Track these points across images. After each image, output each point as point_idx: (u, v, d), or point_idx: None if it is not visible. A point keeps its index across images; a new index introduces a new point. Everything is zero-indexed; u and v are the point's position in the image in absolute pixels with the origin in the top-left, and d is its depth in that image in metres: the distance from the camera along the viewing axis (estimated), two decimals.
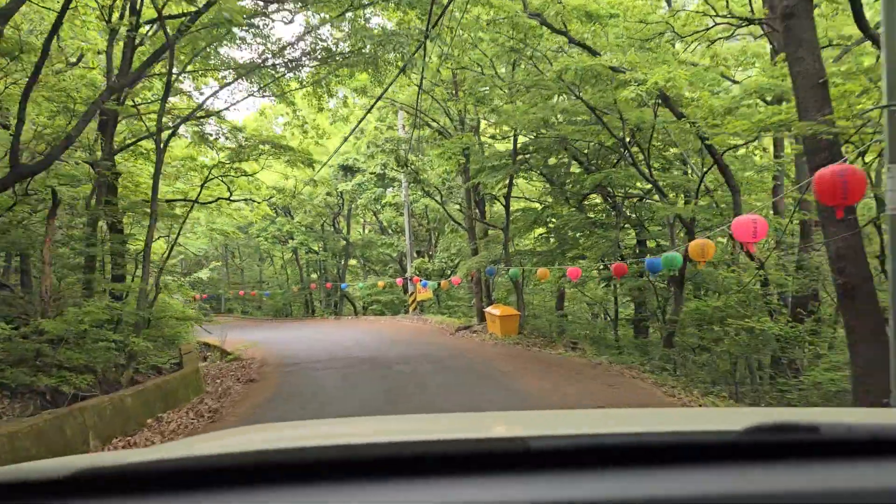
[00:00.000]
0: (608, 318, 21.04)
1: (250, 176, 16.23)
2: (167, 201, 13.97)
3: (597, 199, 19.14)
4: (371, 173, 27.01)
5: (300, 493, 1.00)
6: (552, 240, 19.82)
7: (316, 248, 38.15)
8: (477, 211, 20.99)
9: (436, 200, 25.85)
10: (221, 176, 15.19)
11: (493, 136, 21.14)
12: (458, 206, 26.57)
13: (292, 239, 35.30)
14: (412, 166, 22.63)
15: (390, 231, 32.55)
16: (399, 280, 29.84)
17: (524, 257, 20.28)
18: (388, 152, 22.19)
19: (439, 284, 26.59)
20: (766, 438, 1.09)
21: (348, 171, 31.88)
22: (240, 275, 45.97)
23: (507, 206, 19.09)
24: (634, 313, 18.68)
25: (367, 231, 39.44)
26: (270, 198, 19.64)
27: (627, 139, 14.58)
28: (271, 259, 45.41)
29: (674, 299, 14.63)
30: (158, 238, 14.74)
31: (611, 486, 1.00)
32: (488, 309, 18.37)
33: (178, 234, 15.07)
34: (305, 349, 16.87)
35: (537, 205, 20.66)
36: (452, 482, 1.02)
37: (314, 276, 40.41)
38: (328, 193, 31.97)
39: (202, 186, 14.74)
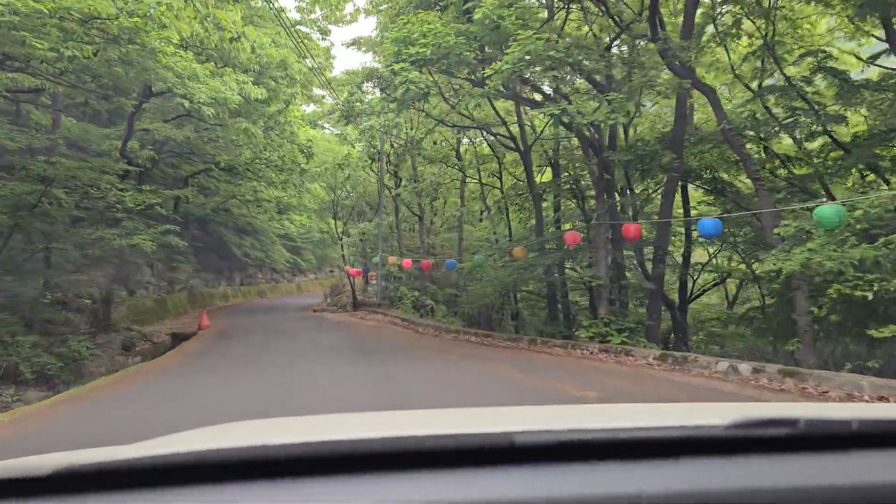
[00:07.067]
0: None
1: None
2: None
3: None
4: None
5: (283, 488, 0.99)
6: None
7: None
8: None
9: None
10: None
11: None
12: None
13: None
14: None
15: None
16: None
17: None
18: None
19: None
20: (750, 433, 1.10)
21: None
22: (415, 227, 22.33)
23: None
24: None
25: None
26: None
27: None
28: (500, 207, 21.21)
29: None
30: None
31: (596, 481, 1.00)
32: None
33: None
34: None
35: None
36: (437, 477, 1.01)
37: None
38: None
39: None
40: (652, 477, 1.00)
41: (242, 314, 24.48)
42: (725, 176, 16.33)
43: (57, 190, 12.16)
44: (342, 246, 29.04)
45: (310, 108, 35.74)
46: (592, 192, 14.48)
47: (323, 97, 25.82)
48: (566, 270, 17.19)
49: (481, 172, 22.87)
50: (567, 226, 19.04)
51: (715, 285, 21.90)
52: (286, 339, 14.27)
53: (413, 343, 13.63)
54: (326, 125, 33.95)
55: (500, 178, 20.61)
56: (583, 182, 14.89)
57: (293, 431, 1.35)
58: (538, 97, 13.53)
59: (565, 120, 9.03)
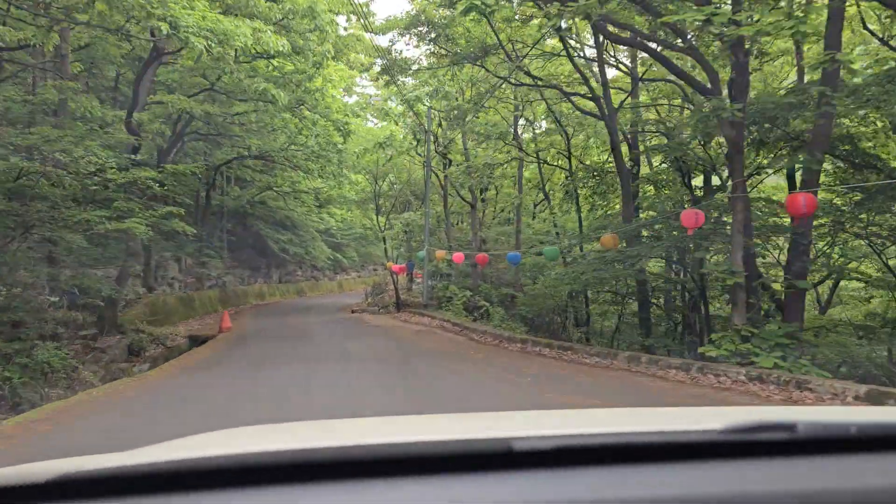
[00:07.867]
0: None
1: None
2: None
3: None
4: None
5: (286, 494, 0.99)
6: None
7: None
8: None
9: None
10: None
11: None
12: None
13: None
14: None
15: None
16: None
17: None
18: None
19: None
20: (745, 437, 1.09)
21: None
22: (464, 219, 19.46)
23: None
24: None
25: None
26: None
27: None
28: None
29: None
30: None
31: (593, 485, 1.00)
32: None
33: None
34: None
35: None
36: (434, 482, 1.01)
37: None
38: None
39: None
40: (647, 481, 0.99)
41: (274, 315, 22.09)
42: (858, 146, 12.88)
43: (30, 164, 9.74)
44: (384, 239, 26.34)
45: (352, 99, 33.38)
46: (702, 168, 11.27)
47: (362, 65, 23.15)
48: (651, 264, 14.01)
49: (540, 155, 19.82)
50: (645, 214, 15.90)
51: (814, 285, 18.34)
52: (309, 350, 11.57)
53: (469, 356, 10.73)
54: (370, 116, 31.45)
55: (569, 158, 17.47)
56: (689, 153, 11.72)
57: (299, 437, 1.34)
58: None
59: (714, 31, 5.99)
